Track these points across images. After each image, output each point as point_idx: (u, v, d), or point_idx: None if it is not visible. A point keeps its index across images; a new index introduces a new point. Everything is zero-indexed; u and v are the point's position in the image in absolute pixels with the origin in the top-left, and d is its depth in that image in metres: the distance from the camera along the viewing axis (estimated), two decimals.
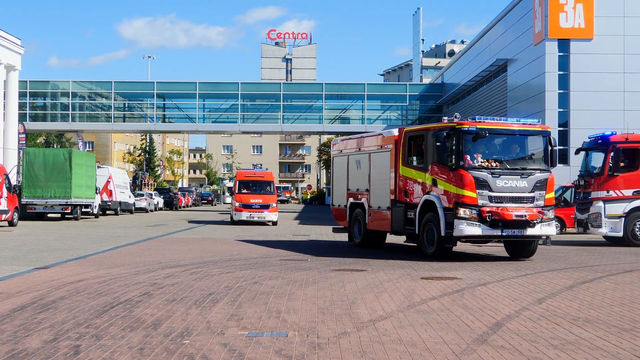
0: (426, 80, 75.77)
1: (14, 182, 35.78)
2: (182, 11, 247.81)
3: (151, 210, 55.17)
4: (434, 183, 16.99)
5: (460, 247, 20.13)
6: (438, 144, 16.58)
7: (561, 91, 34.86)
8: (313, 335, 8.11)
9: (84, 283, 12.25)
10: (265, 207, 34.74)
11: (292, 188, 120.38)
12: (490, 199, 16.34)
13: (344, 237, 22.95)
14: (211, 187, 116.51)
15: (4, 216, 30.32)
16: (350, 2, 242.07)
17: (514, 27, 40.41)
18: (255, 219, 34.76)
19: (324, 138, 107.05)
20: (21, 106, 53.60)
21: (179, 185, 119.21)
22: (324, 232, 29.28)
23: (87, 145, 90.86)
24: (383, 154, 19.21)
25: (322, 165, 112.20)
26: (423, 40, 76.89)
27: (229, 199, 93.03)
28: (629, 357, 7.29)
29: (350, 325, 8.70)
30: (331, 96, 58.82)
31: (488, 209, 16.19)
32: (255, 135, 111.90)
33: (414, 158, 18.14)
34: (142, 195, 56.24)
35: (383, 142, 19.38)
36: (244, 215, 34.72)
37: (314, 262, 16.38)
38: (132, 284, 12.15)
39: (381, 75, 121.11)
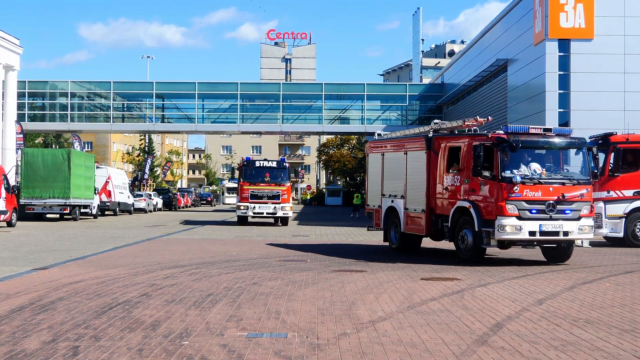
0: (426, 81, 75.77)
1: (12, 182, 35.74)
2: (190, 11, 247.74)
3: (150, 211, 55.11)
4: None
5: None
6: None
7: (561, 91, 34.84)
8: (312, 336, 8.08)
9: (83, 284, 12.22)
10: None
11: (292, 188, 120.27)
12: None
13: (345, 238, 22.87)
14: (210, 188, 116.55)
15: (2, 217, 30.28)
16: (351, 2, 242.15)
17: (514, 27, 40.40)
18: None
19: (324, 138, 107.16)
20: (20, 106, 53.58)
21: (178, 185, 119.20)
22: (323, 233, 29.27)
23: (86, 145, 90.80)
24: None
25: (322, 165, 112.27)
26: (423, 40, 76.93)
27: (228, 200, 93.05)
28: (630, 358, 7.26)
29: (349, 326, 8.67)
30: (331, 96, 58.81)
31: None
32: (255, 135, 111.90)
33: None
34: (141, 195, 56.19)
35: None
36: None
37: (314, 262, 16.36)
38: (131, 285, 12.11)
39: (381, 75, 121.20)
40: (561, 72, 34.97)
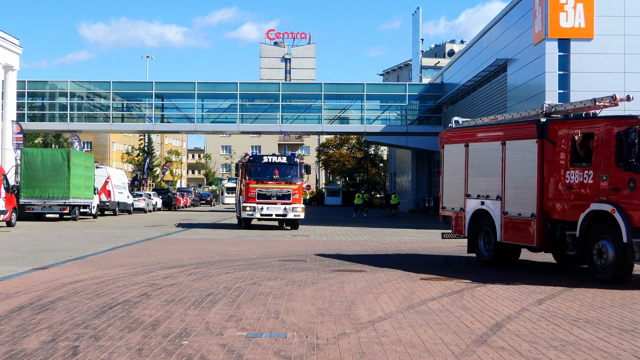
0: (425, 80, 75.72)
1: (12, 182, 35.73)
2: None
3: (150, 211, 55.10)
4: None
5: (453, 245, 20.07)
6: None
7: (561, 91, 34.79)
8: (312, 336, 8.08)
9: (83, 284, 12.21)
10: None
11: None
12: None
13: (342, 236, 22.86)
14: (209, 188, 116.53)
15: (2, 216, 30.26)
16: (353, 2, 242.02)
17: (513, 27, 40.37)
18: None
19: (323, 138, 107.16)
20: (19, 106, 53.57)
21: (178, 185, 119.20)
22: (323, 233, 29.25)
23: (86, 145, 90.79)
24: None
25: (321, 165, 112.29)
26: (422, 40, 76.88)
27: (227, 200, 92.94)
28: (630, 358, 7.26)
29: (349, 326, 8.67)
30: (330, 96, 58.75)
31: None
32: (254, 135, 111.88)
33: None
34: (141, 195, 56.18)
35: None
36: None
37: (313, 262, 16.35)
38: (131, 285, 12.11)
39: (380, 75, 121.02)
40: (561, 72, 34.93)
